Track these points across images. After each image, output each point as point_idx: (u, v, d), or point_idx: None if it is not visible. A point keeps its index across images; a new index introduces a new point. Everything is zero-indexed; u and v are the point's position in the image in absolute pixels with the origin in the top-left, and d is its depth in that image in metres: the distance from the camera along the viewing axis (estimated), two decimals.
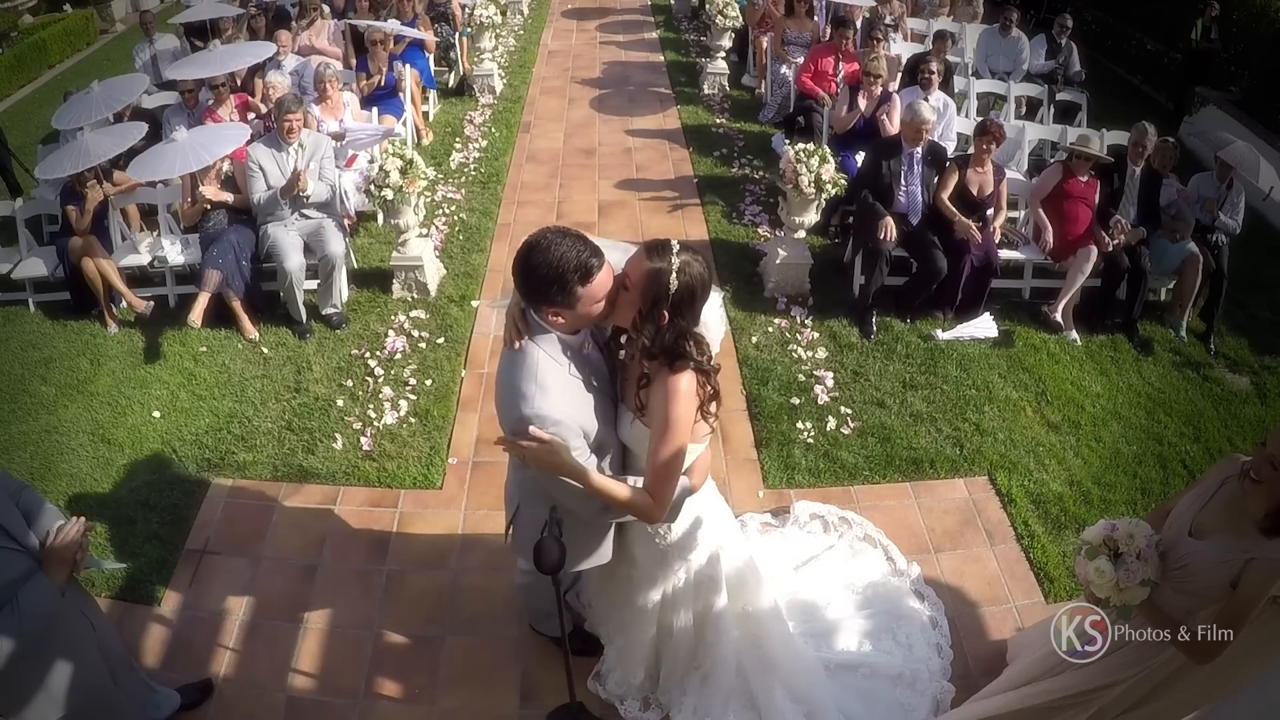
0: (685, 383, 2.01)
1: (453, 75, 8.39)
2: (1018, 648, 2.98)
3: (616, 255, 2.05)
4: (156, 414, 4.23)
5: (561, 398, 2.00)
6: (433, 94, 7.85)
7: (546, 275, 1.91)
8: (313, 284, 4.90)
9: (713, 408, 2.10)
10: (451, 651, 3.10)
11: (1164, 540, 2.26)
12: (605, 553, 2.42)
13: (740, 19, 8.07)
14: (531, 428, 1.96)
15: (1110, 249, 4.86)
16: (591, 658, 2.86)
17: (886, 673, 2.90)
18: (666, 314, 1.95)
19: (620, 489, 2.08)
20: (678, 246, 1.96)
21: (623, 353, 2.18)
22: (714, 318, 2.13)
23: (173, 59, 7.30)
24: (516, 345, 2.03)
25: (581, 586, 2.91)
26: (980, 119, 5.32)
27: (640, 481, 2.14)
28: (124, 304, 4.92)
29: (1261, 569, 2.06)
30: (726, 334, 4.72)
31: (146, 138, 5.49)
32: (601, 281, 1.97)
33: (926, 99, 5.41)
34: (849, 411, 4.25)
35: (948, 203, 4.86)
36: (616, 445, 2.22)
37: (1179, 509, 2.34)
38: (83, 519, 2.22)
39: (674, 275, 1.92)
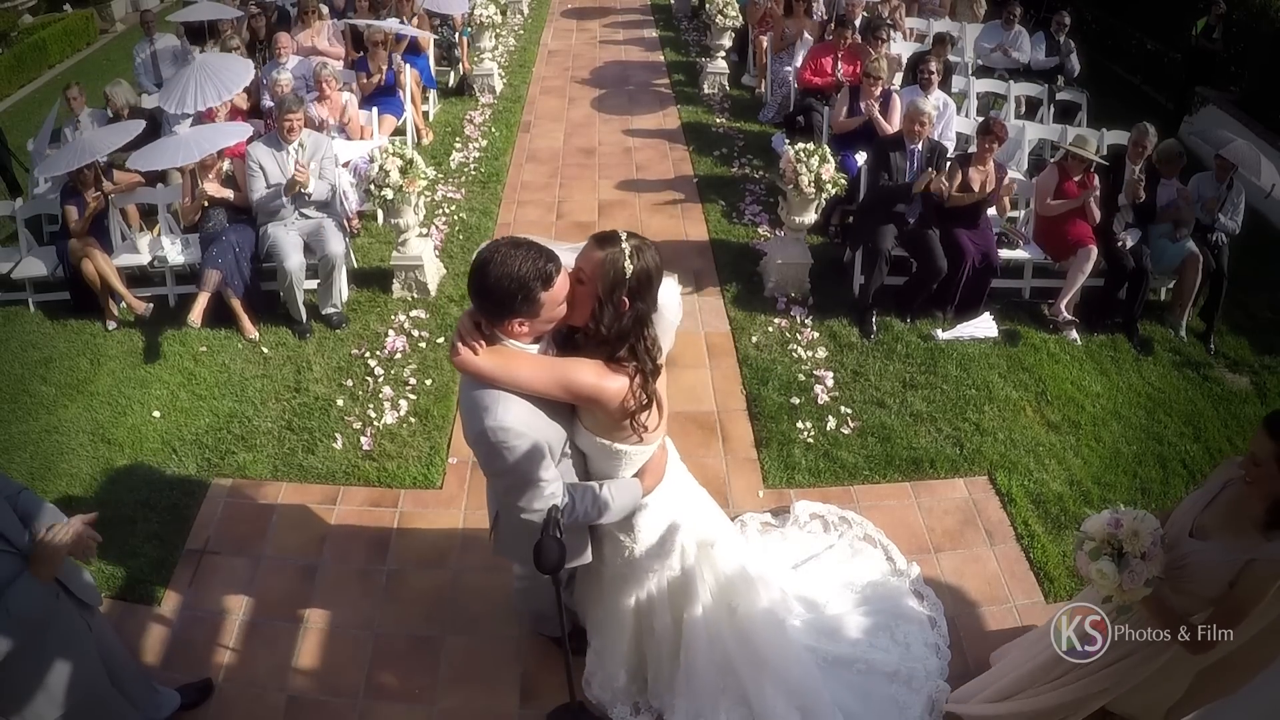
0: (611, 382, 2.01)
1: (453, 75, 8.39)
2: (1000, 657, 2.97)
3: (568, 255, 2.06)
4: (156, 414, 4.23)
5: (523, 410, 2.00)
6: (433, 94, 7.85)
7: (509, 287, 1.90)
8: (313, 284, 4.89)
9: (645, 418, 2.09)
10: (451, 651, 3.10)
11: (1166, 540, 2.26)
12: (587, 554, 2.43)
13: (740, 18, 8.07)
14: None
15: (1121, 244, 4.90)
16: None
17: (882, 670, 2.90)
18: (626, 300, 1.97)
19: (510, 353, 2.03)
20: (625, 234, 1.99)
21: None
22: (671, 300, 2.14)
23: (173, 58, 7.30)
24: (462, 353, 2.00)
25: (575, 584, 2.91)
26: (983, 118, 5.32)
27: (602, 483, 2.19)
28: (124, 304, 4.92)
29: (1261, 570, 2.06)
30: (726, 333, 4.77)
31: (145, 136, 5.50)
32: (562, 283, 1.98)
33: (926, 98, 5.41)
34: (849, 411, 4.25)
35: (957, 193, 4.85)
36: (578, 453, 2.24)
37: (1180, 509, 2.34)
38: (78, 518, 2.21)
39: (627, 260, 1.95)
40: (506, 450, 1.99)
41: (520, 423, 1.99)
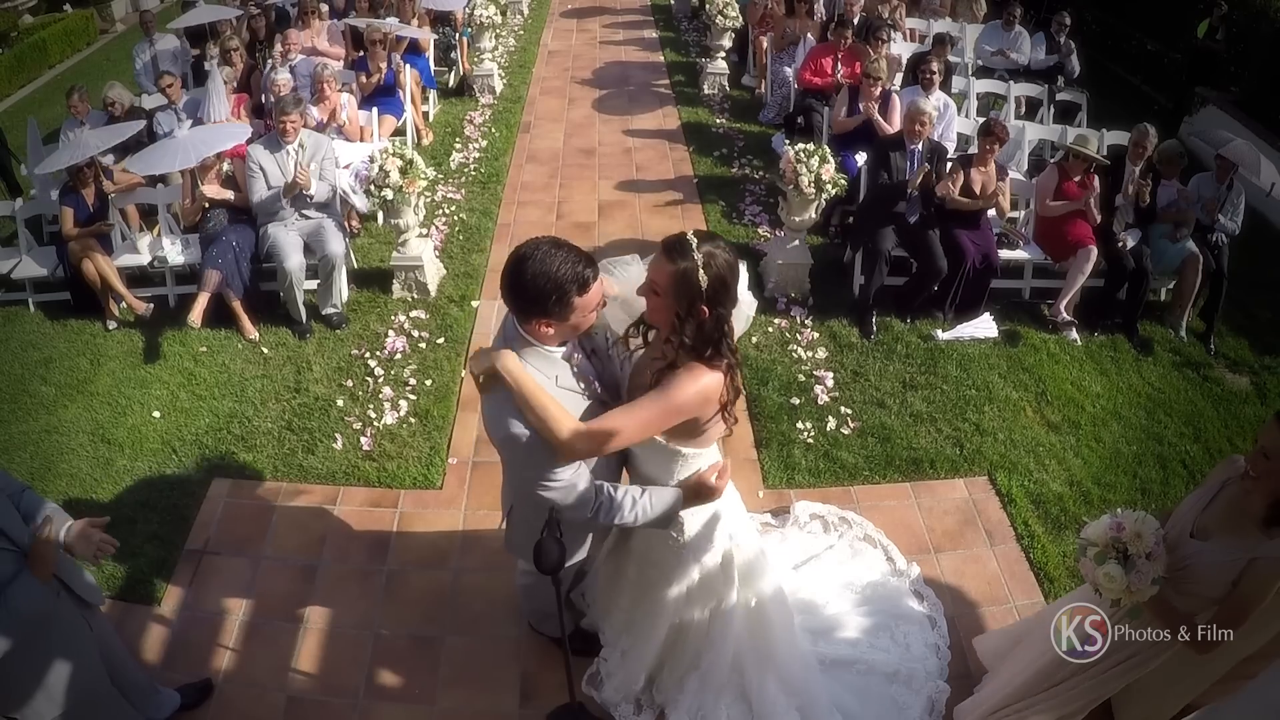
0: (711, 379, 2.00)
1: (453, 75, 8.40)
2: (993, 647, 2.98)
3: (635, 271, 2.06)
4: (156, 414, 4.23)
5: None
6: (433, 94, 7.85)
7: (544, 286, 1.88)
8: (313, 284, 4.89)
9: (734, 409, 2.12)
10: (451, 651, 3.10)
11: (1167, 541, 2.25)
12: (585, 549, 2.44)
13: (740, 19, 8.08)
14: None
15: (1121, 244, 4.91)
16: (591, 657, 2.86)
17: (882, 670, 2.90)
18: (705, 309, 1.93)
19: (558, 414, 1.97)
20: (695, 240, 1.92)
21: (636, 352, 2.16)
22: (745, 296, 2.10)
23: (173, 59, 7.31)
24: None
25: (587, 585, 2.90)
26: (984, 119, 5.32)
27: (643, 489, 2.17)
28: (124, 304, 4.92)
29: (1264, 569, 2.06)
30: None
31: (145, 136, 5.51)
32: (596, 290, 1.96)
33: (927, 98, 5.42)
34: (849, 411, 4.25)
35: (959, 198, 4.86)
36: (617, 458, 2.24)
37: (1180, 510, 2.34)
38: (86, 520, 2.21)
39: (701, 271, 1.89)
40: (534, 452, 1.99)
41: None
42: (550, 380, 2.04)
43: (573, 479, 2.06)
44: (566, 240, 1.96)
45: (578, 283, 1.90)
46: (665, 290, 1.94)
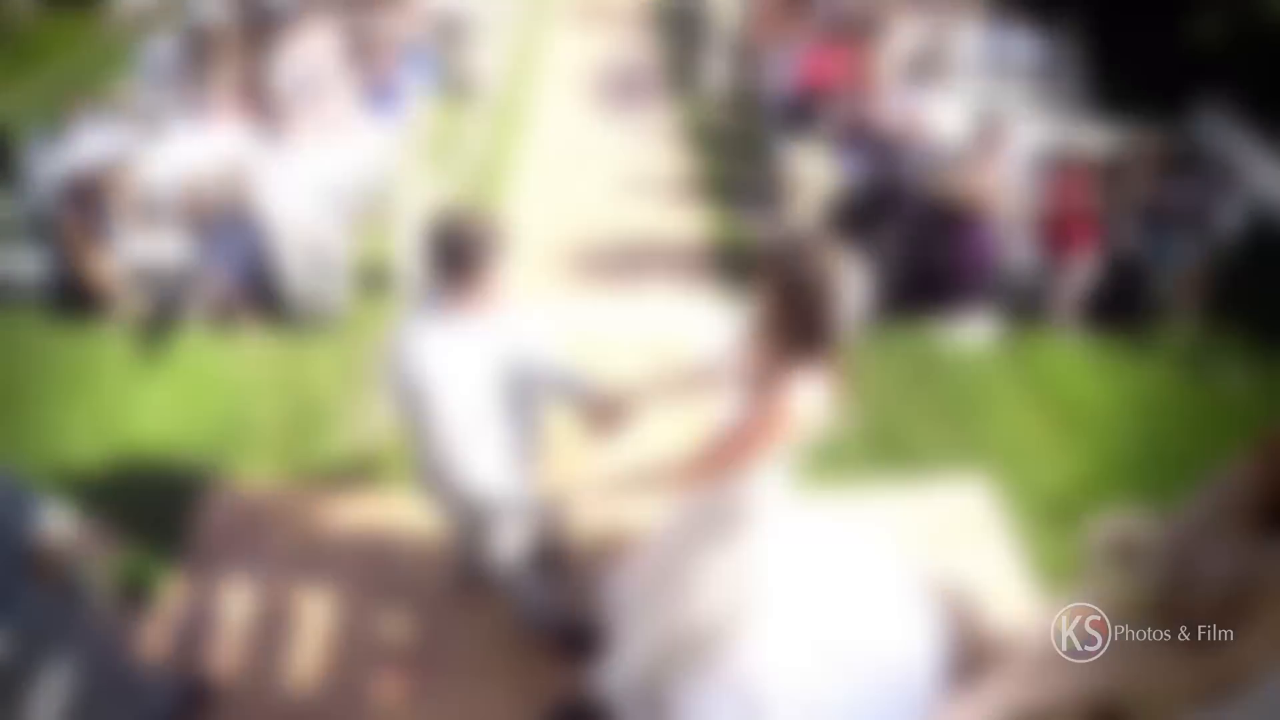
0: (816, 383, 2.03)
1: (452, 76, 8.38)
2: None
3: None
4: (156, 414, 4.24)
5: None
6: (432, 95, 7.84)
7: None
8: (314, 283, 4.89)
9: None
10: (452, 651, 3.11)
11: (1168, 543, 2.25)
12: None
13: (740, 19, 8.06)
14: None
15: (1121, 244, 4.90)
16: (591, 655, 2.87)
17: (881, 670, 2.90)
18: (799, 312, 1.98)
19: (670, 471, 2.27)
20: (770, 253, 1.98)
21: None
22: (851, 291, 2.05)
23: (173, 60, 7.28)
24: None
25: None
26: (983, 119, 5.32)
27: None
28: (123, 304, 4.92)
29: (1265, 571, 2.05)
30: None
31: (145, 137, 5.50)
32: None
33: (926, 98, 5.42)
34: (848, 411, 4.24)
35: (958, 198, 4.86)
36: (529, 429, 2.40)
37: (1182, 512, 2.34)
38: (89, 524, 2.22)
39: (777, 281, 1.96)
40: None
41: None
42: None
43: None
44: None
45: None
46: (762, 302, 2.03)
